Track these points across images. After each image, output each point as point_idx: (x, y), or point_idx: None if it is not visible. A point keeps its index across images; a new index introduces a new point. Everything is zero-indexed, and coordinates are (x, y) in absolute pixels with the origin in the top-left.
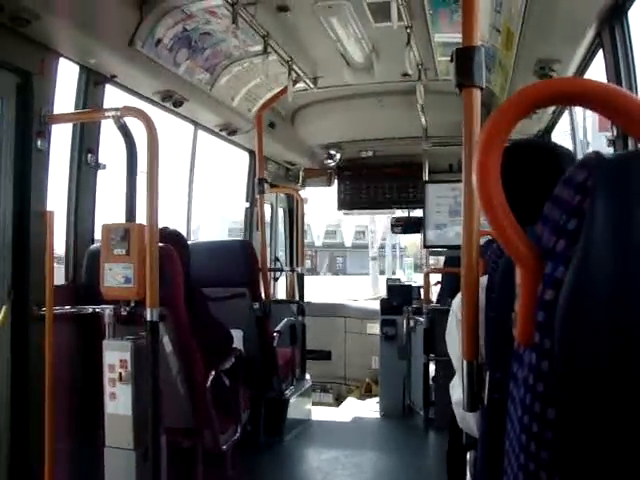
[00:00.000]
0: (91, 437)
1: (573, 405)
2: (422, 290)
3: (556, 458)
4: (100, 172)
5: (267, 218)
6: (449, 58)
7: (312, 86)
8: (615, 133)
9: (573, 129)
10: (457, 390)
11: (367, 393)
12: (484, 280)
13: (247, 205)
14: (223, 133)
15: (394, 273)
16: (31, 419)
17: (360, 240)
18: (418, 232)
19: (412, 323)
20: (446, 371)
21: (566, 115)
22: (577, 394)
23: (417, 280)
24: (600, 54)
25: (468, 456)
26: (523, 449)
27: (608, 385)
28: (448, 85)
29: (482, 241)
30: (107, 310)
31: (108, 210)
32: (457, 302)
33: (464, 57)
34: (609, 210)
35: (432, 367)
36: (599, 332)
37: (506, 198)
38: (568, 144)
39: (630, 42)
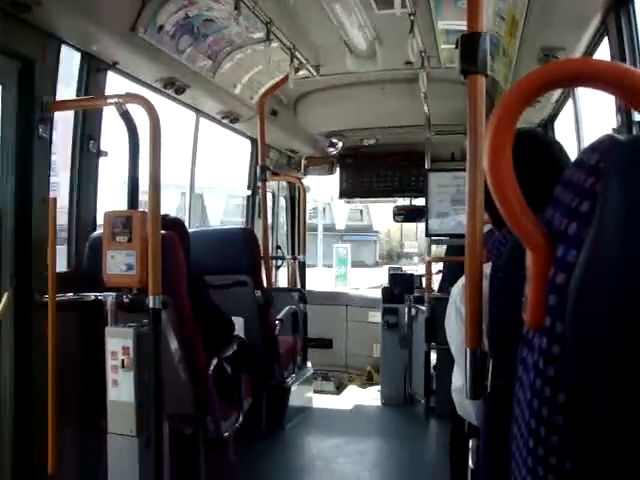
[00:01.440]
0: (94, 424)
1: (584, 389)
2: (424, 279)
3: (566, 442)
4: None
5: (269, 206)
6: (453, 45)
7: (314, 73)
8: (619, 122)
9: (577, 120)
10: (456, 377)
11: (368, 381)
12: (487, 268)
13: (249, 193)
14: (225, 121)
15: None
16: (34, 406)
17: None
18: (420, 221)
19: (414, 312)
20: (447, 360)
21: (570, 104)
22: (588, 378)
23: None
24: (605, 41)
25: (470, 444)
26: (532, 434)
27: (620, 369)
28: (451, 73)
29: (484, 230)
30: (109, 297)
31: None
32: (457, 290)
33: (469, 44)
34: (622, 192)
35: (433, 355)
36: (611, 315)
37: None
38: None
39: (636, 29)
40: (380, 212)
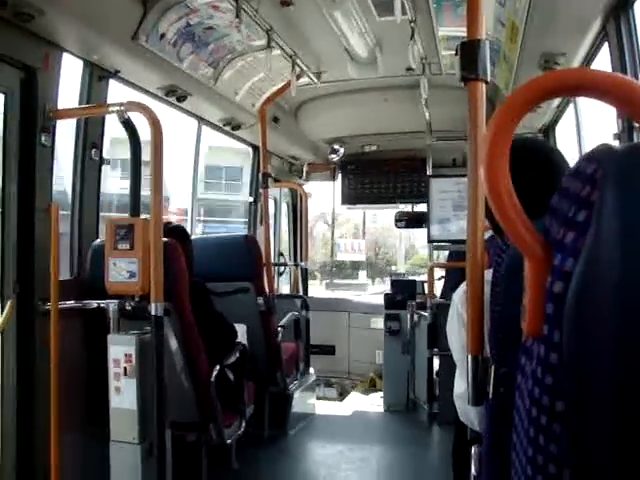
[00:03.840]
0: (96, 432)
1: (582, 398)
2: (426, 285)
3: (565, 451)
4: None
5: (271, 213)
6: (453, 52)
7: (316, 81)
8: (620, 128)
9: (578, 125)
10: (458, 384)
11: (371, 388)
12: (488, 274)
13: (251, 200)
14: (227, 128)
15: None
16: (37, 413)
17: None
18: (422, 227)
19: (416, 318)
20: (450, 366)
21: (571, 109)
22: (586, 387)
23: None
24: (605, 47)
25: (473, 450)
26: (531, 442)
27: (617, 378)
28: (452, 79)
29: (486, 235)
30: (112, 305)
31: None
32: (458, 295)
33: (469, 51)
34: (619, 202)
35: (436, 362)
36: (608, 324)
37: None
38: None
39: (636, 35)
40: None
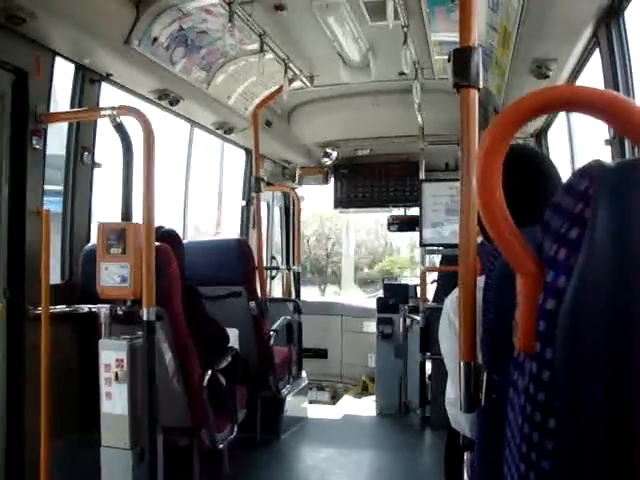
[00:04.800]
0: (88, 437)
1: (574, 416)
2: (419, 289)
3: (557, 468)
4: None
5: (263, 216)
6: (446, 57)
7: (308, 85)
8: (612, 134)
9: (570, 131)
10: (449, 390)
11: (363, 391)
12: (481, 281)
13: (243, 203)
14: (219, 131)
15: None
16: (27, 419)
17: None
18: (414, 230)
19: (408, 322)
20: (442, 370)
21: (563, 114)
22: (578, 405)
23: None
24: (597, 53)
25: (465, 457)
26: (523, 458)
27: (609, 396)
28: (444, 84)
29: (478, 240)
30: (103, 309)
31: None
32: (450, 302)
33: (461, 58)
34: (611, 219)
35: (428, 366)
36: (600, 342)
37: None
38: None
39: (626, 41)
40: None
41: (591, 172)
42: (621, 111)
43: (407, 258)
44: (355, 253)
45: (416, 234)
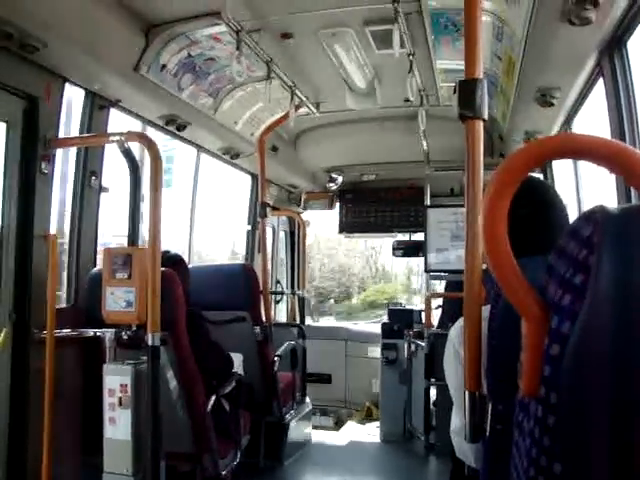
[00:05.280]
0: (90, 462)
1: (579, 461)
2: (423, 314)
3: None
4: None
5: (269, 241)
6: (451, 84)
7: (314, 111)
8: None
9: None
10: (454, 419)
11: (367, 417)
12: (486, 311)
13: (249, 228)
14: (226, 157)
15: None
16: (30, 442)
17: None
18: (419, 255)
19: (413, 347)
20: (447, 396)
21: None
22: (583, 450)
23: None
24: (600, 82)
25: None
26: None
27: (613, 442)
28: (450, 111)
29: (484, 266)
30: (108, 334)
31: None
32: (455, 331)
33: (467, 89)
34: (615, 267)
35: (433, 392)
36: (604, 389)
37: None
38: None
39: (630, 71)
40: None
41: (595, 219)
42: (628, 163)
43: (397, 287)
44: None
45: (413, 259)
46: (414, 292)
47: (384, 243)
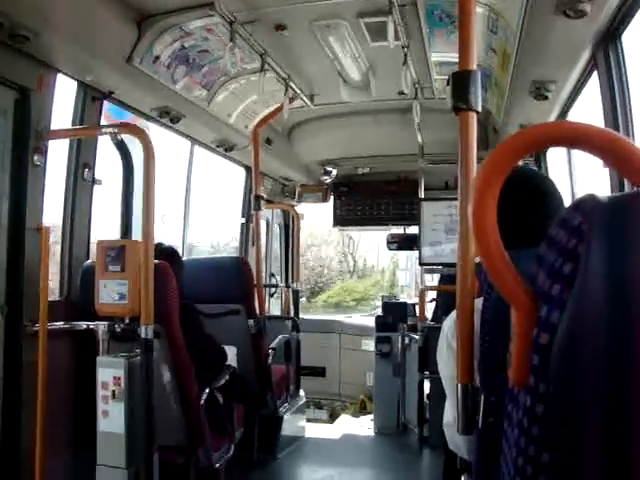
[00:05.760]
0: (83, 454)
1: (568, 450)
2: (417, 307)
3: None
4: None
5: (262, 234)
6: (445, 77)
7: (309, 103)
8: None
9: (569, 151)
10: (447, 412)
11: (361, 410)
12: (479, 303)
13: (243, 221)
14: (220, 149)
15: None
16: (22, 435)
17: None
18: (413, 249)
19: (407, 340)
20: (441, 389)
21: None
22: (572, 439)
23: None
24: (595, 75)
25: (463, 479)
26: None
27: (603, 431)
28: (444, 103)
29: (477, 259)
30: (101, 326)
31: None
32: (448, 323)
33: (460, 81)
34: (603, 256)
35: (427, 385)
36: (594, 378)
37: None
38: None
39: (624, 65)
40: None
41: (584, 208)
42: (621, 153)
43: (376, 283)
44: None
45: (400, 253)
46: (401, 290)
47: (363, 232)
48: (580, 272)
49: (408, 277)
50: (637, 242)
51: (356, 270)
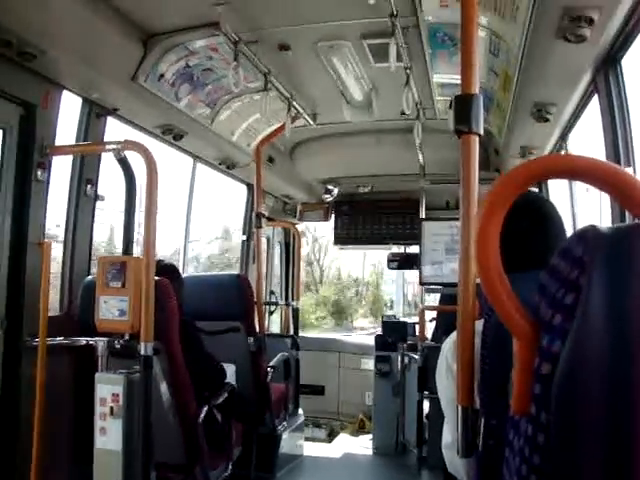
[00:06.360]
0: (80, 471)
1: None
2: (417, 327)
3: None
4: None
5: (263, 250)
6: (447, 98)
7: (311, 122)
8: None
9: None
10: (446, 433)
11: (360, 429)
12: (479, 325)
13: (244, 238)
14: (222, 167)
15: None
16: (19, 451)
17: None
18: (413, 268)
19: (407, 360)
20: (440, 409)
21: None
22: (573, 470)
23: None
24: (595, 98)
25: None
26: None
27: (604, 462)
28: (445, 124)
29: (478, 280)
30: (100, 343)
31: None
32: (448, 345)
33: (463, 104)
34: (606, 288)
35: (426, 405)
36: (595, 410)
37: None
38: None
39: (624, 89)
40: None
41: (586, 238)
42: (622, 186)
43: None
44: None
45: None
46: (390, 306)
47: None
48: (581, 303)
49: (397, 291)
50: (638, 274)
51: (324, 281)
